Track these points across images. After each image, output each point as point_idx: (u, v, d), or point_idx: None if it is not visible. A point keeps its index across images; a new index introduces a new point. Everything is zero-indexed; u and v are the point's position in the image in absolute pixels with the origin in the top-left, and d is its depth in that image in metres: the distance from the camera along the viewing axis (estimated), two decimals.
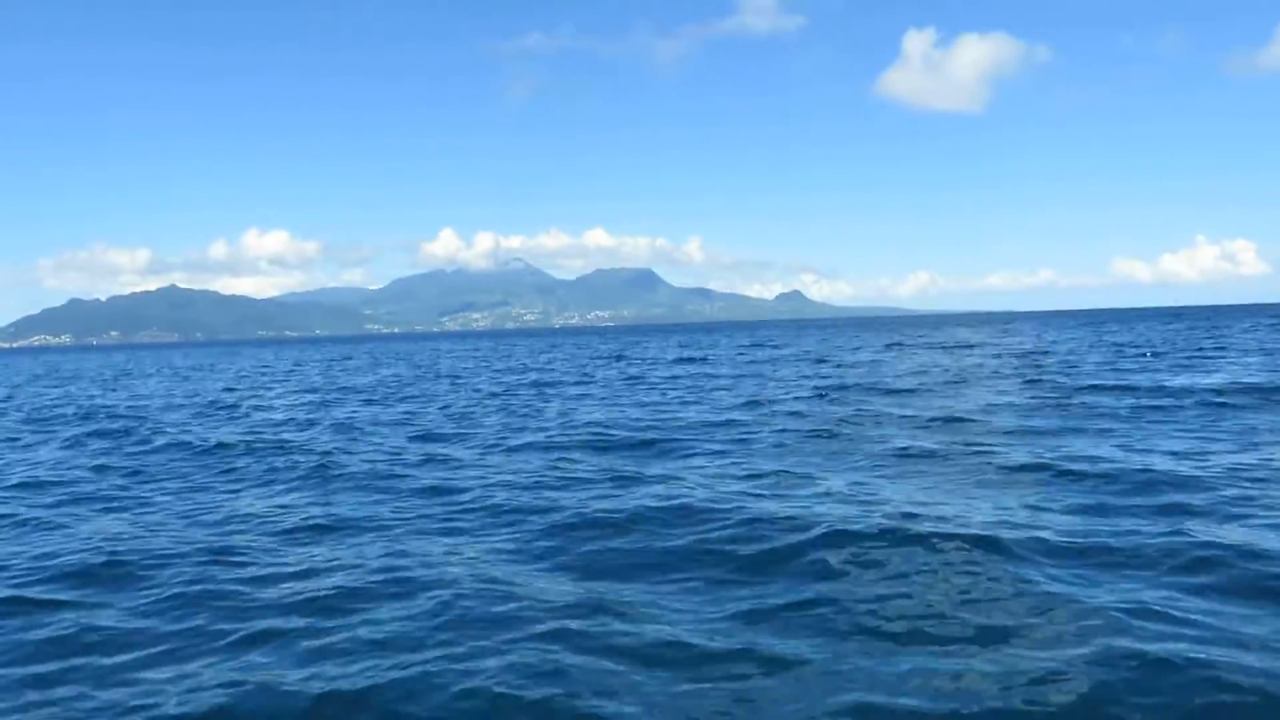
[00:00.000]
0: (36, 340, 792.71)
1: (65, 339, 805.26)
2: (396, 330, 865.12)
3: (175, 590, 8.67)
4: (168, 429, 23.29)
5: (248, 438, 20.45)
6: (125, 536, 10.96)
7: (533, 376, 42.20)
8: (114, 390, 44.43)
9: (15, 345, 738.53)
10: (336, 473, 15.12)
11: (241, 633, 7.47)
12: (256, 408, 30.36)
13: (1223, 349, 41.70)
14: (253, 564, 9.56)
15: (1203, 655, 6.22)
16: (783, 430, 18.63)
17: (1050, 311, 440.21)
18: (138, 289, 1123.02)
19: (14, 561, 10.10)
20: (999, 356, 43.42)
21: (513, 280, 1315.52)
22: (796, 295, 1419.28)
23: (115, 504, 13.52)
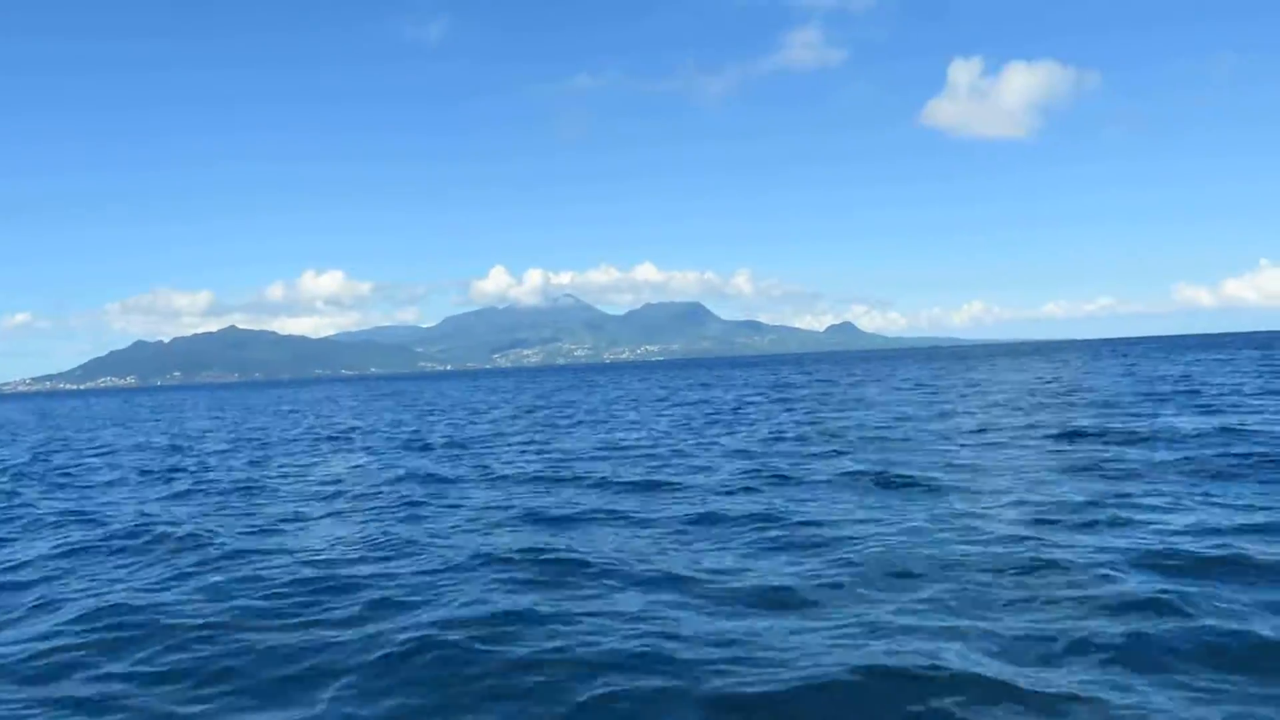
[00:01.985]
0: (103, 382, 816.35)
1: (130, 380, 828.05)
2: (449, 367, 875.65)
3: None
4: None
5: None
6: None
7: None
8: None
9: (83, 386, 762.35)
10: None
11: None
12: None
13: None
14: None
15: None
16: None
17: (1112, 339, 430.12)
18: (199, 330, 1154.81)
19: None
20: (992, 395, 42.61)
21: (563, 316, 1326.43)
22: (848, 327, 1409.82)
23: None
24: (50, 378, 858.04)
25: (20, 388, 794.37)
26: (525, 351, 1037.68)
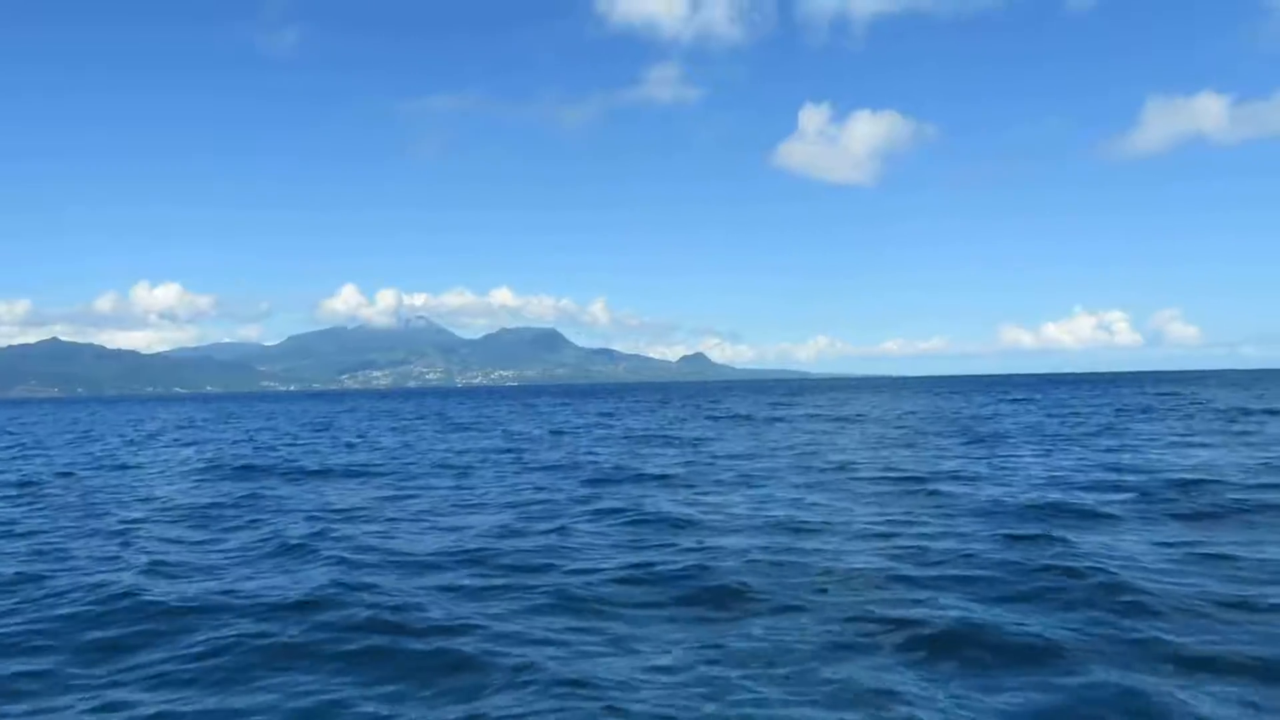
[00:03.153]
0: None
1: None
2: (293, 388, 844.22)
3: None
4: None
5: None
6: None
7: None
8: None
9: None
10: None
11: None
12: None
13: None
14: None
15: None
16: None
17: (941, 377, 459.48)
18: (15, 341, 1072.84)
19: None
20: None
21: (415, 338, 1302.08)
22: (700, 357, 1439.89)
23: None
24: None
25: None
26: (375, 373, 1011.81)
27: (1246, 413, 47.55)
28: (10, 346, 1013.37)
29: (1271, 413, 46.90)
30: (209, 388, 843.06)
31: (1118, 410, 54.41)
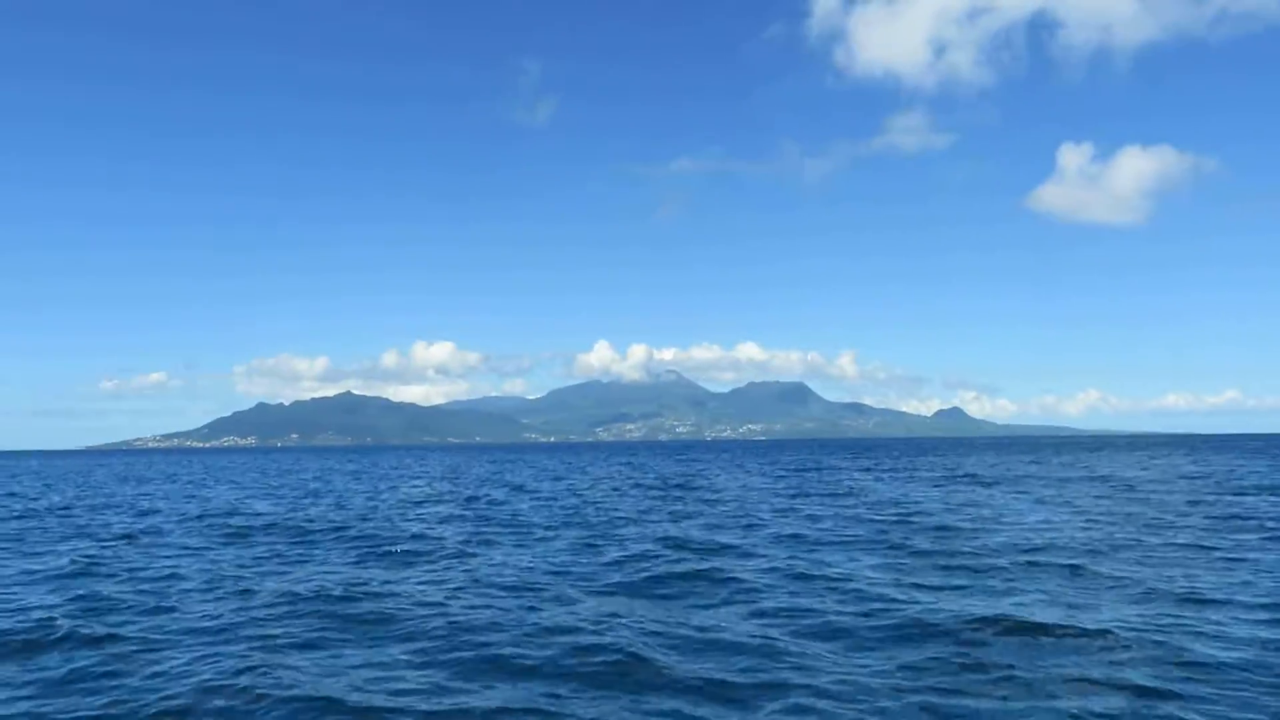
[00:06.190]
0: (226, 441, 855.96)
1: (251, 440, 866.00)
2: (553, 439, 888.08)
3: None
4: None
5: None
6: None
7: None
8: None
9: (208, 445, 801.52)
10: None
11: None
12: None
13: None
14: None
15: None
16: None
17: (1237, 435, 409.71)
18: (317, 394, 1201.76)
19: None
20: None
21: (665, 392, 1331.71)
22: (956, 412, 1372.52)
23: None
24: (179, 435, 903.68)
25: (151, 443, 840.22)
26: (628, 426, 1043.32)
27: None
28: (314, 399, 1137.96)
29: None
30: (478, 438, 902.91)
31: None
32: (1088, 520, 26.45)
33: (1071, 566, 17.72)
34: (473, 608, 14.62)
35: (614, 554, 21.00)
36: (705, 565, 18.75)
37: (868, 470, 65.64)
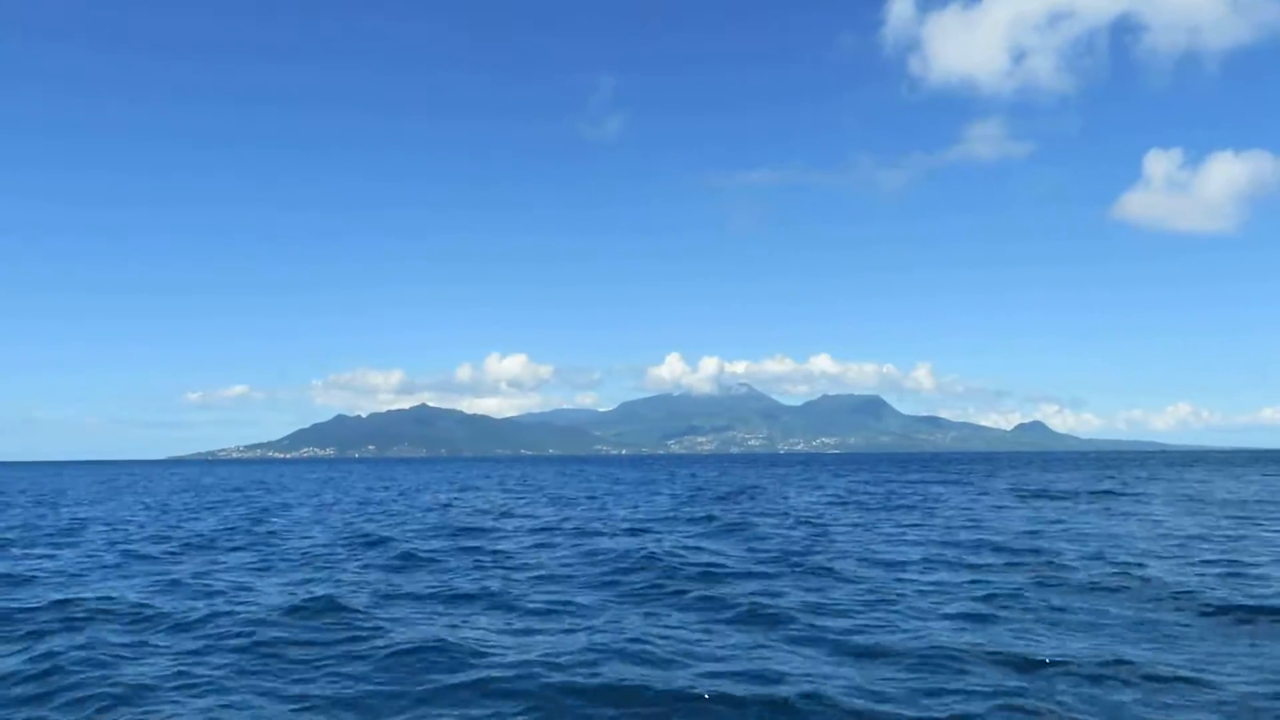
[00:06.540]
0: (306, 451, 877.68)
1: (330, 451, 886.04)
2: (624, 451, 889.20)
3: None
4: None
5: None
6: None
7: None
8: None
9: (289, 455, 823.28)
10: None
11: None
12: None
13: None
14: None
15: None
16: None
17: None
18: (392, 407, 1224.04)
19: None
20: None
21: (737, 405, 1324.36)
22: (1038, 426, 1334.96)
23: None
24: (261, 445, 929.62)
25: (235, 454, 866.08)
26: (699, 439, 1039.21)
27: None
28: (390, 411, 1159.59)
29: None
30: (550, 450, 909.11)
31: None
32: None
33: None
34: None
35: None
36: None
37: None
